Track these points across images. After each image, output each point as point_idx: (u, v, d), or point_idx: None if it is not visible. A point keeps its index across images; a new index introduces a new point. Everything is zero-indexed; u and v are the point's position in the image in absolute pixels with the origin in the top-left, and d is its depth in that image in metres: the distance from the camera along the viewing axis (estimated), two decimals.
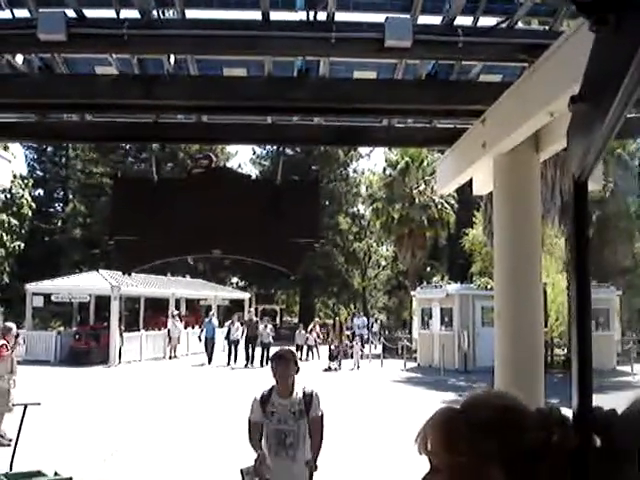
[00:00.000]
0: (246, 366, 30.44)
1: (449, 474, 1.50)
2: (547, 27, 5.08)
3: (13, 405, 11.49)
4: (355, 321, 42.34)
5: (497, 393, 1.66)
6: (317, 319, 43.87)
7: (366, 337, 39.43)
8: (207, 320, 34.68)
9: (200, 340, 33.82)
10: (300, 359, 34.70)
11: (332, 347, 31.87)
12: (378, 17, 4.90)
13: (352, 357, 31.47)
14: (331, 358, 31.08)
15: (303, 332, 35.78)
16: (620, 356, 30.65)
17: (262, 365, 28.78)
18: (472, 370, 26.86)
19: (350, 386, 23.82)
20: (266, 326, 32.16)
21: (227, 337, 32.29)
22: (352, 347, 32.26)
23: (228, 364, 31.14)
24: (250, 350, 31.20)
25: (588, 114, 1.20)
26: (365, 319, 45.18)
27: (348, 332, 38.61)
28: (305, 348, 35.13)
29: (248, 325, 32.19)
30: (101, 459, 11.51)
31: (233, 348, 31.86)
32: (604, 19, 1.11)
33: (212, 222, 6.57)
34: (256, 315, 47.61)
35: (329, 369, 30.26)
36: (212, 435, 13.64)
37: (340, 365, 30.73)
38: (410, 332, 37.73)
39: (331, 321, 46.66)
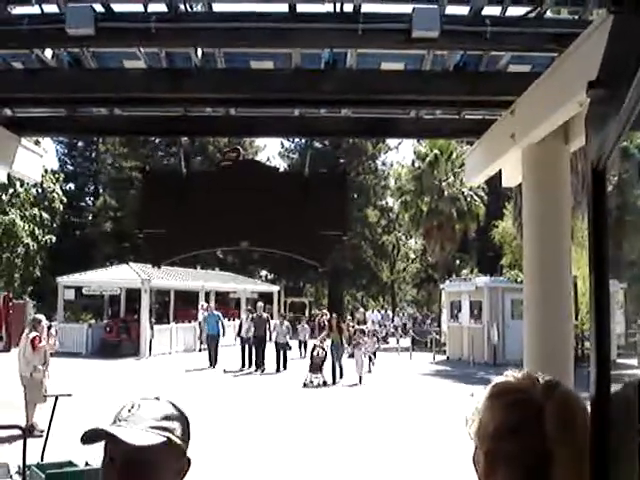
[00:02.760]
0: (256, 371, 25.51)
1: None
2: (576, 16, 5.02)
3: (46, 396, 11.63)
4: (369, 316, 38.76)
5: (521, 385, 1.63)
6: (324, 311, 39.71)
7: (383, 334, 35.39)
8: (207, 313, 28.49)
9: (201, 342, 28.23)
10: (301, 356, 27.56)
11: (314, 354, 22.45)
12: (405, 8, 4.87)
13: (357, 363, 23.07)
14: (312, 369, 22.07)
15: (306, 326, 30.57)
16: (623, 349, 30.62)
17: (278, 370, 25.14)
18: (501, 363, 26.70)
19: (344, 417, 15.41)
20: (282, 323, 26.50)
21: (239, 334, 27.14)
22: (355, 349, 23.56)
23: (242, 367, 26.00)
24: (260, 352, 25.83)
25: (606, 99, 1.17)
26: (378, 313, 42.12)
27: (364, 327, 31.41)
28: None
29: (256, 323, 26.14)
30: None
31: (247, 348, 26.39)
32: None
33: (240, 215, 6.59)
34: (285, 309, 47.67)
35: (311, 384, 21.75)
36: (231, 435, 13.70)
37: (341, 374, 22.86)
38: (439, 325, 37.61)
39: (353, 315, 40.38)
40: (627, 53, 1.06)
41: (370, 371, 24.75)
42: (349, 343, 25.35)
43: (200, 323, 31.69)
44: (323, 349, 22.57)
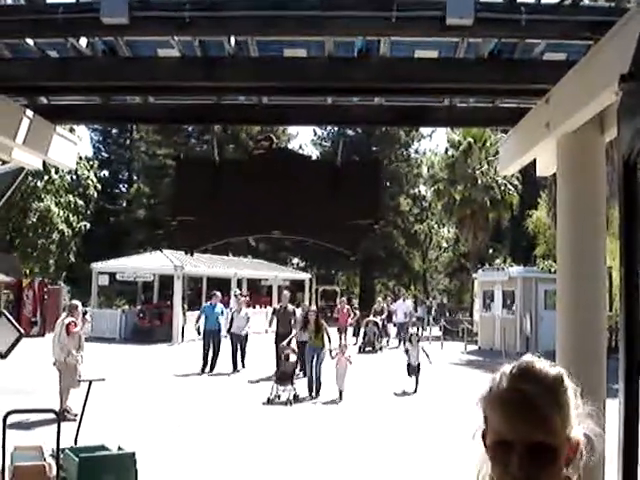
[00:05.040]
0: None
1: None
2: (612, 4, 4.94)
3: (80, 381, 11.78)
4: (394, 306, 33.36)
5: None
6: (343, 298, 34.46)
7: (411, 329, 25.64)
8: (208, 304, 22.80)
9: (199, 333, 22.41)
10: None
11: (283, 357, 16.83)
12: None
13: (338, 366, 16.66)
14: (280, 380, 16.19)
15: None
16: None
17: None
18: (534, 354, 26.47)
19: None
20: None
21: (229, 329, 21.79)
22: (339, 353, 16.99)
23: (234, 370, 21.24)
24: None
25: (637, 93, 1.16)
26: (410, 303, 35.63)
27: (377, 319, 29.05)
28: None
29: (279, 316, 20.00)
30: (164, 435, 11.73)
31: (239, 347, 21.53)
32: None
33: (272, 203, 6.60)
34: (316, 297, 47.42)
35: (277, 399, 15.91)
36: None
37: (318, 389, 16.70)
38: (471, 315, 37.40)
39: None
40: None
41: (416, 391, 17.62)
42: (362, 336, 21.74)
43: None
44: (294, 352, 17.25)
